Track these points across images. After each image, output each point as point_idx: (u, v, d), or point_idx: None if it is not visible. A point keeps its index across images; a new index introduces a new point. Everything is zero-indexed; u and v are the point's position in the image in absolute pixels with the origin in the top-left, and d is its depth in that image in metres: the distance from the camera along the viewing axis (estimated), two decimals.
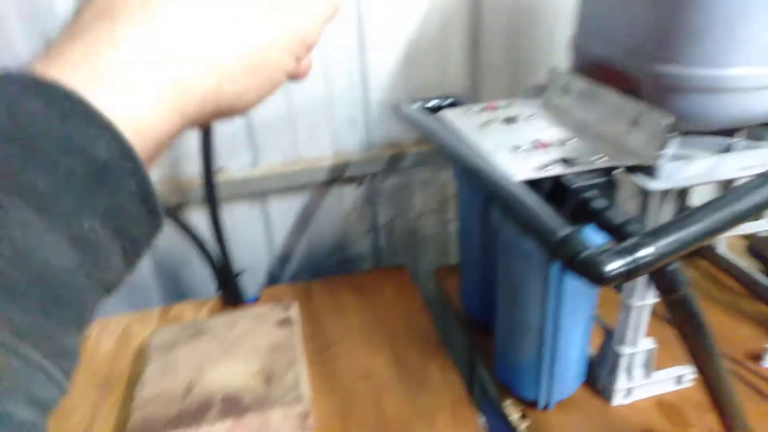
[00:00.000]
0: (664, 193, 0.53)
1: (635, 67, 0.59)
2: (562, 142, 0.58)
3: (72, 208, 0.18)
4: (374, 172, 0.99)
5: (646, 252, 0.37)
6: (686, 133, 0.59)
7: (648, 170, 0.53)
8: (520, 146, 0.57)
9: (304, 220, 1.02)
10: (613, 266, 0.38)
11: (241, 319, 0.73)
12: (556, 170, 0.51)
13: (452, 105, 0.78)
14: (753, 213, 0.41)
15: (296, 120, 0.92)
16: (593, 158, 0.53)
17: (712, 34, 0.52)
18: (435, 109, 0.75)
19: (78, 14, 0.22)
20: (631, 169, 0.54)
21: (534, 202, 0.45)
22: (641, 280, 0.60)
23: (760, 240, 0.85)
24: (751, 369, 0.70)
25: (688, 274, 0.42)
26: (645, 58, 0.57)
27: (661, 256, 0.38)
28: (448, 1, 0.89)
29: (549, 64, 0.74)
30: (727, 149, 0.56)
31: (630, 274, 0.38)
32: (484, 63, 0.96)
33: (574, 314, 0.61)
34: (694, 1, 0.52)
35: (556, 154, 0.55)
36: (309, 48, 0.27)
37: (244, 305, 0.88)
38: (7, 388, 0.16)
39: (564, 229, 0.41)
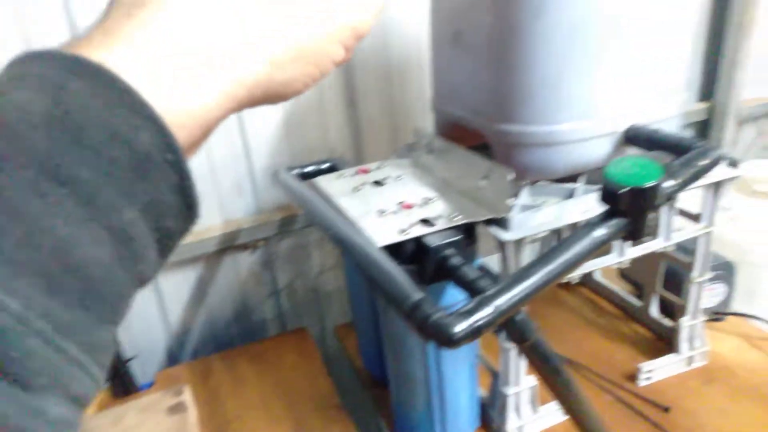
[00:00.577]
0: (519, 242, 0.58)
1: (482, 125, 0.64)
2: (425, 202, 0.61)
3: (114, 199, 0.18)
4: (267, 237, 0.99)
5: (486, 312, 0.40)
6: (535, 182, 0.65)
7: (501, 222, 0.57)
8: (386, 210, 0.60)
9: (199, 293, 1.00)
10: (461, 328, 0.40)
11: (129, 411, 0.70)
12: (416, 232, 0.54)
13: (331, 169, 0.80)
14: (583, 259, 0.45)
15: None
16: (451, 216, 0.57)
17: (539, 95, 0.58)
18: (313, 174, 0.77)
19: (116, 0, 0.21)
20: (488, 222, 0.58)
21: (389, 268, 0.47)
22: None
23: (631, 265, 0.93)
24: (628, 389, 0.75)
25: (535, 322, 0.46)
26: (489, 117, 0.63)
27: (500, 313, 0.41)
28: None
29: (423, 122, 0.79)
30: (570, 195, 0.62)
31: (476, 333, 0.40)
32: (363, 122, 1.00)
33: (456, 362, 0.63)
34: (520, 68, 0.57)
35: (418, 214, 0.58)
36: (359, 38, 0.26)
37: (138, 394, 0.83)
38: (46, 384, 0.16)
39: (415, 295, 0.43)
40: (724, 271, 0.82)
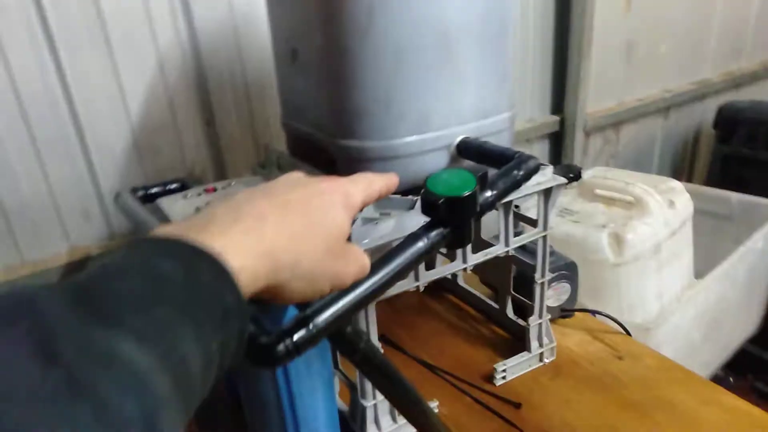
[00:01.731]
0: None
1: (326, 141, 0.65)
2: None
3: (211, 334, 0.26)
4: None
5: (304, 332, 0.40)
6: None
7: None
8: None
9: None
10: (279, 349, 0.39)
11: None
12: None
13: (181, 188, 0.77)
14: (406, 270, 0.46)
15: (10, 221, 0.83)
16: None
17: (372, 112, 0.59)
18: (159, 195, 0.74)
19: (210, 207, 0.33)
20: None
21: None
22: None
23: (487, 271, 0.98)
24: (484, 389, 0.78)
25: (363, 334, 0.46)
26: (330, 133, 0.63)
27: (320, 331, 0.40)
28: (171, 79, 0.89)
29: (283, 138, 0.78)
30: (412, 207, 0.64)
31: (294, 353, 0.40)
32: (224, 140, 0.97)
33: (310, 379, 0.62)
34: (352, 87, 0.59)
35: None
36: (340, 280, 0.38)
37: None
38: None
39: None
40: (568, 271, 0.89)
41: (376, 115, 0.59)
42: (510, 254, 0.77)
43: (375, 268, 0.45)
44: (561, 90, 1.43)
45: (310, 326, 0.40)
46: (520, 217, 0.76)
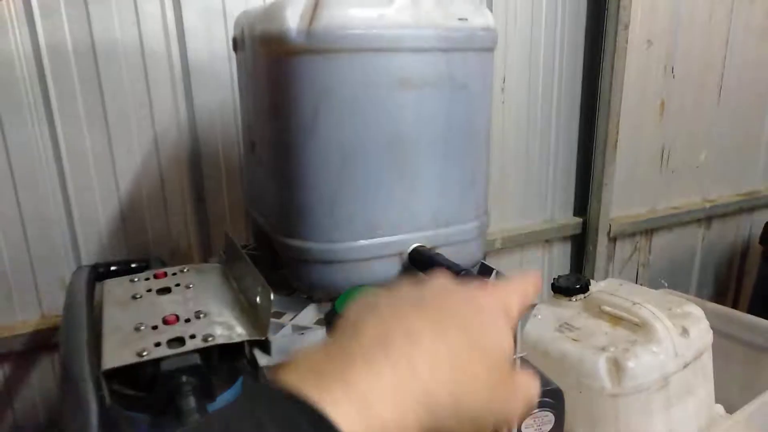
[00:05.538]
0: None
1: (273, 237, 0.61)
2: (195, 318, 0.57)
3: None
4: None
5: None
6: (332, 299, 0.62)
7: (264, 345, 0.53)
8: (145, 325, 0.55)
9: (4, 398, 0.89)
10: None
11: None
12: (155, 354, 0.49)
13: (144, 268, 0.75)
14: None
15: None
16: (207, 336, 0.52)
17: (317, 212, 0.56)
18: (117, 274, 0.72)
19: (355, 325, 0.28)
20: (253, 344, 0.54)
21: (82, 398, 0.41)
22: None
23: None
24: None
25: None
26: (276, 230, 0.60)
27: None
28: (165, 157, 0.91)
29: None
30: None
31: None
32: (212, 217, 0.97)
33: None
34: (298, 184, 0.56)
35: (176, 332, 0.53)
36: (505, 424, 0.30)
37: None
38: None
39: None
40: (552, 399, 0.79)
41: (319, 216, 0.56)
42: None
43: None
44: (585, 192, 1.36)
45: None
46: None
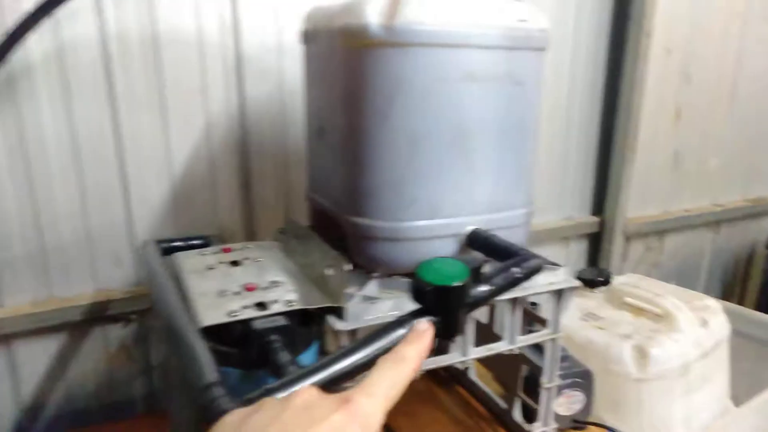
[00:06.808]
0: (353, 332, 0.58)
1: (339, 217, 0.66)
2: (271, 286, 0.61)
3: None
4: (142, 310, 0.96)
5: None
6: (391, 275, 0.66)
7: (339, 311, 0.58)
8: (227, 291, 0.60)
9: (59, 366, 0.94)
10: None
11: None
12: (244, 315, 0.54)
13: (204, 245, 0.80)
14: (384, 354, 0.46)
15: (47, 259, 0.88)
16: (288, 301, 0.57)
17: (384, 194, 0.61)
18: (180, 249, 0.77)
19: None
20: (327, 311, 0.59)
21: (194, 347, 0.46)
22: None
23: (498, 368, 0.94)
24: None
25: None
26: (343, 210, 0.65)
27: None
28: (215, 143, 0.95)
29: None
30: None
31: None
32: (257, 204, 1.01)
33: None
34: (367, 168, 0.61)
35: (257, 297, 0.58)
36: None
37: None
38: None
39: (209, 377, 0.43)
40: (582, 379, 0.84)
41: (386, 197, 0.61)
42: (518, 353, 0.75)
43: (354, 348, 0.45)
44: (602, 192, 1.41)
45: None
46: (531, 316, 0.74)
